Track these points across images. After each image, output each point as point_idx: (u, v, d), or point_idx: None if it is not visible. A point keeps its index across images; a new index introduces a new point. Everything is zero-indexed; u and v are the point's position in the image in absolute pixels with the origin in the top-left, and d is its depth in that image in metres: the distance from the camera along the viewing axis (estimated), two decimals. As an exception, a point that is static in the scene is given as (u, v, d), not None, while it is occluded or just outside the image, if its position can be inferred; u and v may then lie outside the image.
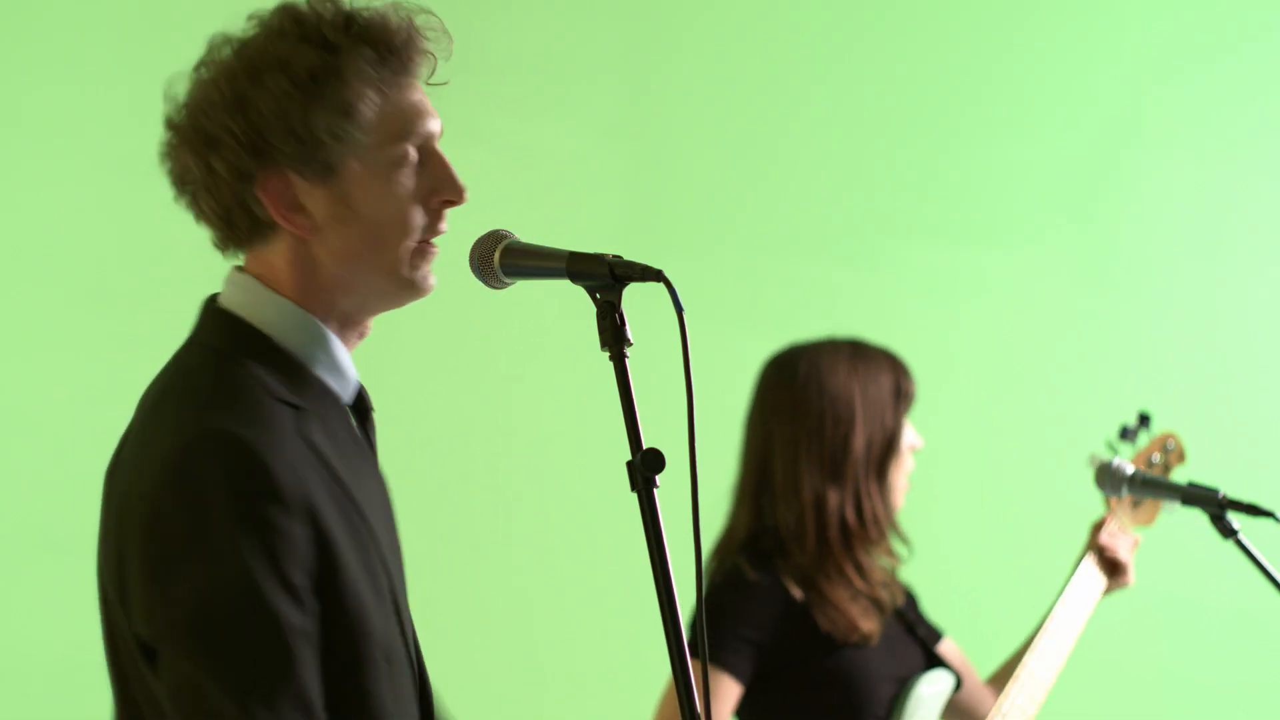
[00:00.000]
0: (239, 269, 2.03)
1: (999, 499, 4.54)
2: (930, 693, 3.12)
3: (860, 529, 3.10)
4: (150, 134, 3.55)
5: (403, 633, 1.96)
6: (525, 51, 4.13)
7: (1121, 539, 3.13)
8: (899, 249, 4.54)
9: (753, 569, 3.07)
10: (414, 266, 1.97)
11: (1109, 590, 3.15)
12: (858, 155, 4.51)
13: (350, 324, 2.00)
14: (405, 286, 1.98)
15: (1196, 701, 4.66)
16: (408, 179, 1.96)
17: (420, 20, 1.98)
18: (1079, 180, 4.68)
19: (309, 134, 1.92)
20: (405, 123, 1.96)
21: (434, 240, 1.99)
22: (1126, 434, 3.14)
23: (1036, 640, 3.04)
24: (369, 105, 1.94)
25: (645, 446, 1.82)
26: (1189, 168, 4.73)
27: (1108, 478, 3.04)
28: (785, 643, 3.05)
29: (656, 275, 1.85)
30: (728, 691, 3.01)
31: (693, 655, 2.78)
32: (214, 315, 2.01)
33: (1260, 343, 4.77)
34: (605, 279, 1.87)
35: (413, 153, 1.97)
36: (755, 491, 3.14)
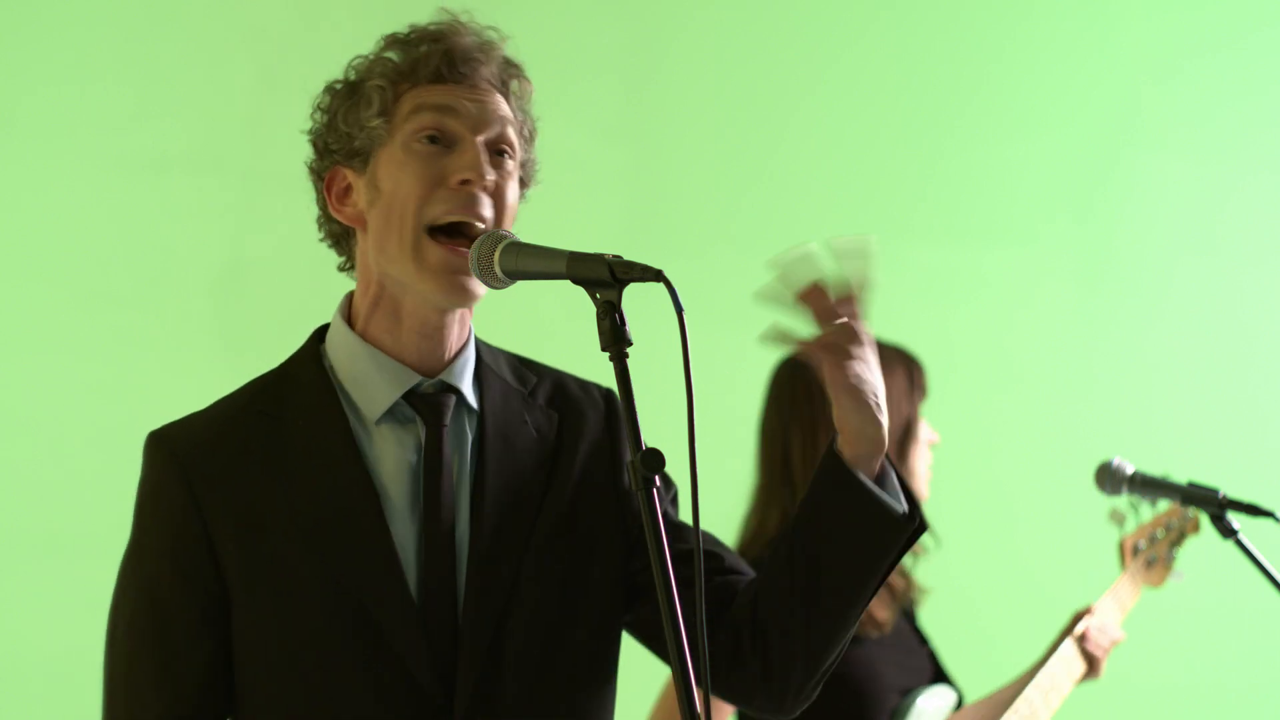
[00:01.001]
0: (346, 296, 2.17)
1: (999, 498, 4.54)
2: (930, 707, 3.11)
3: None
4: (150, 134, 3.56)
5: (383, 620, 2.01)
6: (525, 51, 4.12)
7: (1105, 635, 3.12)
8: (899, 249, 4.54)
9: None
10: (429, 259, 2.03)
11: (1079, 681, 3.14)
12: (857, 155, 4.51)
13: (410, 323, 2.08)
14: (424, 281, 2.04)
15: (1196, 701, 4.65)
16: (423, 160, 2.05)
17: (477, 37, 2.13)
18: (1078, 179, 4.68)
19: (345, 128, 2.08)
20: (420, 111, 2.06)
21: (464, 232, 2.04)
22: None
23: (1009, 714, 3.03)
24: (384, 95, 2.06)
25: (645, 446, 1.82)
26: (1187, 167, 4.73)
27: (1108, 477, 3.05)
28: None
29: (656, 275, 1.85)
30: None
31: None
32: (308, 340, 2.16)
33: (1259, 342, 4.77)
34: (605, 279, 1.87)
35: (429, 126, 2.06)
36: (776, 484, 3.14)
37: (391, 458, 2.06)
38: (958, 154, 4.59)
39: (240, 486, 2.04)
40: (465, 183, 2.04)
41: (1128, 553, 3.20)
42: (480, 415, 2.11)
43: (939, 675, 3.18)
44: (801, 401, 3.14)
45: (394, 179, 2.05)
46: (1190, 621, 4.61)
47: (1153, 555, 3.20)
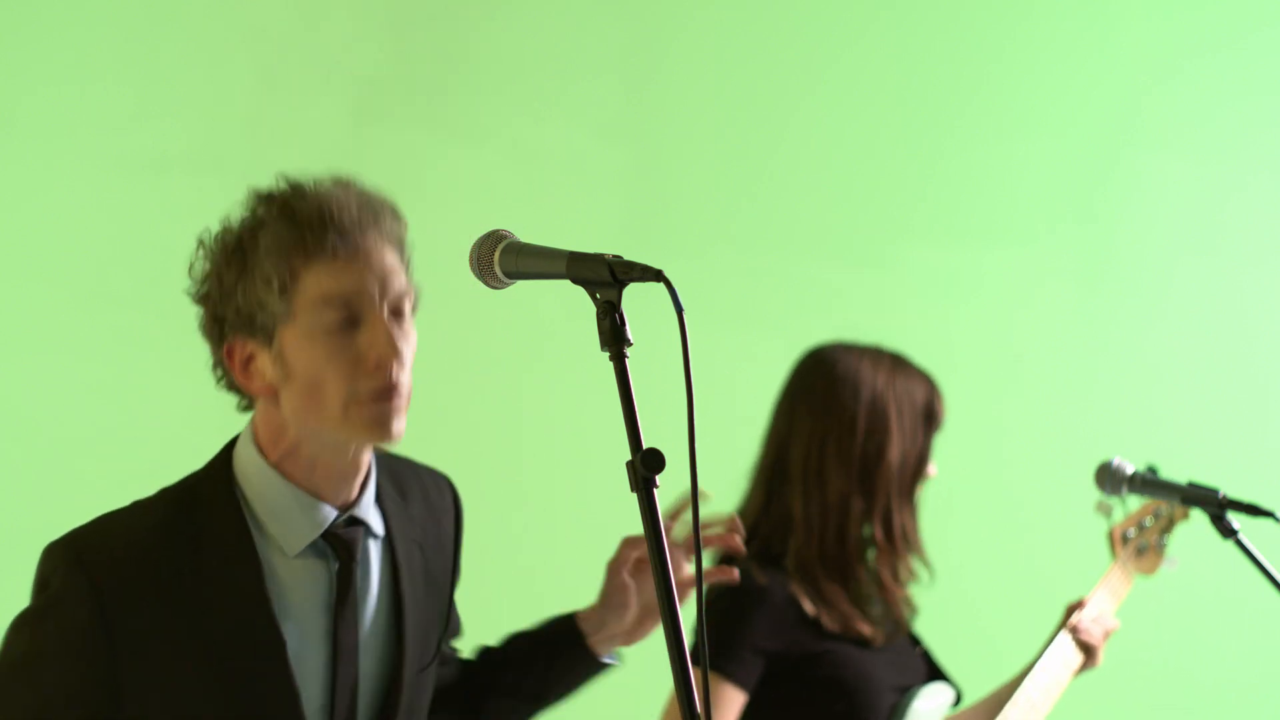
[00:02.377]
0: (250, 420, 2.17)
1: (999, 498, 4.54)
2: (927, 707, 3.11)
3: (887, 545, 3.09)
4: (150, 134, 3.55)
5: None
6: (525, 51, 4.13)
7: (1099, 625, 3.12)
8: (899, 249, 4.54)
9: (762, 572, 3.04)
10: (355, 418, 2.08)
11: (1077, 671, 3.13)
12: (857, 155, 4.51)
13: (326, 471, 2.12)
14: (355, 434, 2.10)
15: (1197, 701, 4.65)
16: (334, 341, 2.08)
17: (366, 200, 2.11)
18: (1078, 180, 4.68)
19: (244, 303, 2.09)
20: (322, 290, 2.07)
21: (387, 392, 2.08)
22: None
23: (1009, 708, 3.03)
24: (282, 275, 2.07)
25: (645, 446, 1.82)
26: (1188, 167, 4.73)
27: (1108, 477, 3.04)
28: (793, 649, 3.04)
29: (656, 275, 1.85)
30: (732, 701, 2.99)
31: (695, 660, 2.77)
32: (218, 453, 2.18)
33: (1259, 342, 4.77)
34: (605, 279, 1.87)
35: (337, 318, 2.07)
36: (769, 476, 3.12)
37: (303, 590, 2.11)
38: (958, 154, 4.59)
39: (151, 616, 2.05)
40: (381, 358, 2.08)
41: (1117, 542, 3.19)
42: (388, 540, 2.19)
43: (934, 674, 3.17)
44: (817, 405, 3.10)
45: (306, 363, 2.08)
46: (1190, 621, 4.61)
47: (1143, 543, 3.19)
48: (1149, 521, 3.20)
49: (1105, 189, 4.69)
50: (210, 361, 2.16)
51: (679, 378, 1.79)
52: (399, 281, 2.12)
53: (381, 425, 2.09)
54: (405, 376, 2.11)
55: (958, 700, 3.17)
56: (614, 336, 1.85)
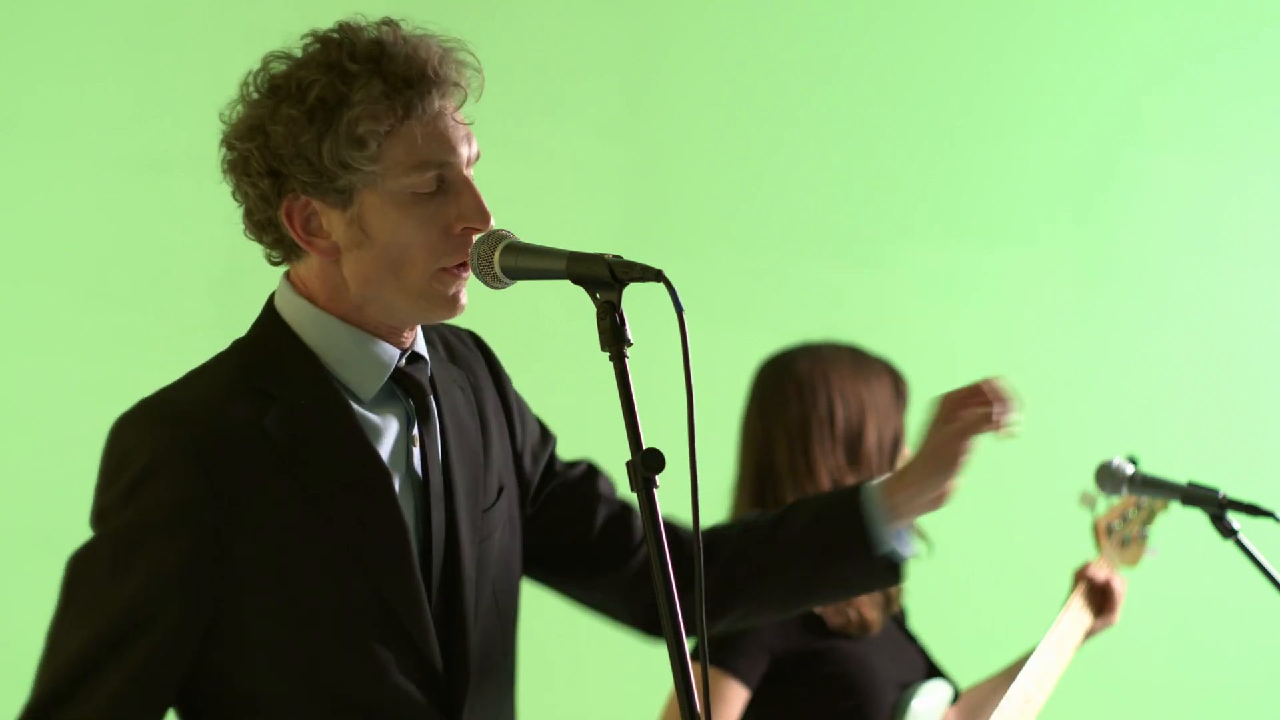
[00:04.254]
0: (286, 273, 2.09)
1: (998, 497, 4.54)
2: (925, 706, 3.12)
3: None
4: (150, 134, 3.56)
5: (396, 600, 2.00)
6: (525, 51, 4.13)
7: (1114, 575, 3.14)
8: (899, 249, 4.54)
9: None
10: (436, 291, 2.01)
11: (1093, 631, 3.14)
12: (857, 155, 4.51)
13: (383, 330, 2.05)
14: (428, 309, 2.03)
15: (1196, 701, 4.65)
16: (424, 208, 2.00)
17: (447, 54, 2.04)
18: (1078, 180, 4.68)
19: (321, 162, 1.98)
20: (419, 154, 2.00)
21: (462, 266, 2.01)
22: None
23: (1020, 678, 3.03)
24: (377, 136, 1.98)
25: (645, 446, 1.82)
26: (1188, 167, 4.72)
27: (1108, 476, 3.05)
28: (797, 647, 3.04)
29: (656, 275, 1.85)
30: (735, 697, 2.99)
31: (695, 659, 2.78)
32: (264, 309, 2.09)
33: (1259, 342, 4.77)
34: (605, 279, 1.87)
35: (430, 182, 2.00)
36: (757, 483, 3.13)
37: (385, 435, 2.04)
38: (958, 154, 4.59)
39: (250, 470, 1.97)
40: (467, 230, 2.01)
41: (1102, 534, 3.22)
42: (433, 383, 2.11)
43: (932, 671, 3.18)
44: (790, 400, 3.13)
45: (392, 228, 1.99)
46: (1190, 621, 4.61)
47: (1126, 535, 3.22)
48: (1131, 513, 3.23)
49: (1105, 189, 4.69)
50: (248, 221, 2.04)
51: (679, 378, 1.79)
52: (475, 142, 2.06)
53: (454, 300, 2.02)
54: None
55: (955, 697, 3.18)
56: (614, 336, 1.85)
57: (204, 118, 3.78)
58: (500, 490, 2.16)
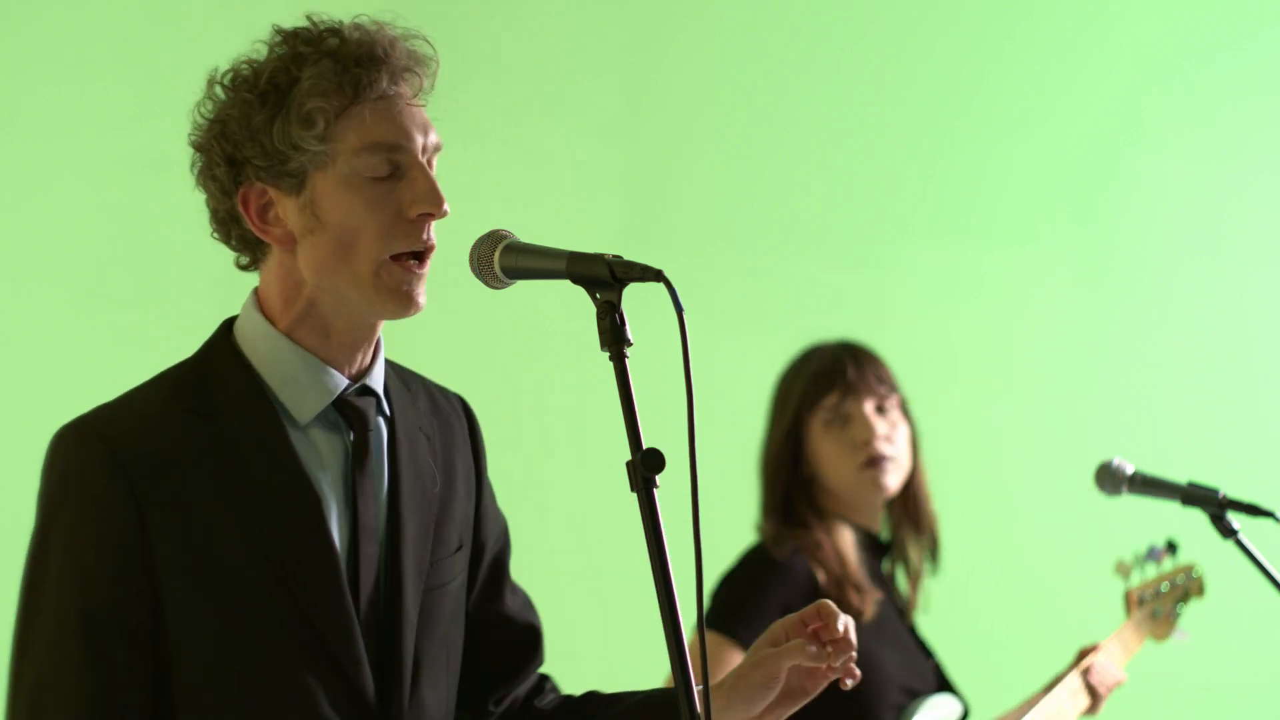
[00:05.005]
0: (254, 289, 2.08)
1: (998, 498, 4.54)
2: (935, 717, 3.12)
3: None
4: (150, 134, 3.55)
5: (324, 624, 1.97)
6: (525, 51, 4.13)
7: (1110, 673, 3.18)
8: (899, 249, 4.54)
9: (782, 547, 3.11)
10: (385, 282, 1.99)
11: (1082, 714, 3.19)
12: (857, 155, 4.51)
13: (340, 337, 2.03)
14: (379, 300, 1.99)
15: (1196, 701, 4.65)
16: (375, 190, 1.98)
17: (398, 40, 2.01)
18: (1078, 179, 4.68)
19: (273, 144, 1.97)
20: (368, 135, 1.98)
21: (419, 255, 2.00)
22: (1153, 554, 3.26)
23: None
24: (325, 114, 1.96)
25: (645, 446, 1.82)
26: (1188, 167, 4.73)
27: (1108, 477, 3.04)
28: None
29: (656, 275, 1.85)
30: (735, 663, 3.01)
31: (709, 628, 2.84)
32: (216, 331, 2.08)
33: (1259, 342, 4.77)
34: (605, 279, 1.87)
35: (383, 165, 1.98)
36: (788, 442, 3.24)
37: (318, 461, 2.02)
38: (958, 154, 4.59)
39: (178, 486, 1.96)
40: (422, 215, 1.99)
41: (1133, 604, 3.27)
42: (391, 421, 2.08)
43: (943, 685, 3.19)
44: (793, 400, 3.19)
45: (343, 212, 1.97)
46: (1189, 622, 4.60)
47: (1157, 609, 3.27)
48: (1165, 588, 3.28)
49: (1105, 189, 4.69)
50: (211, 218, 2.04)
51: (679, 378, 1.79)
52: (435, 133, 2.03)
53: (407, 295, 1.99)
54: (433, 233, 2.00)
55: (964, 716, 3.19)
56: (614, 336, 1.85)
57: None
58: (459, 547, 2.12)
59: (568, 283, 1.91)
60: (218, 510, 1.96)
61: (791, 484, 3.18)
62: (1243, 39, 4.76)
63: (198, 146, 2.03)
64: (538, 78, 4.14)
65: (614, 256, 1.87)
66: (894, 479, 3.20)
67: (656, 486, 1.83)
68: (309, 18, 2.01)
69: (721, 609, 3.09)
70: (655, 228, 4.28)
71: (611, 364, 1.85)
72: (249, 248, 2.05)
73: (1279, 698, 4.70)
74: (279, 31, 2.02)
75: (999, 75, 4.63)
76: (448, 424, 2.17)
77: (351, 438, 2.03)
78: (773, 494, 3.19)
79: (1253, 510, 2.88)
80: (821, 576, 3.11)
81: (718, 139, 4.37)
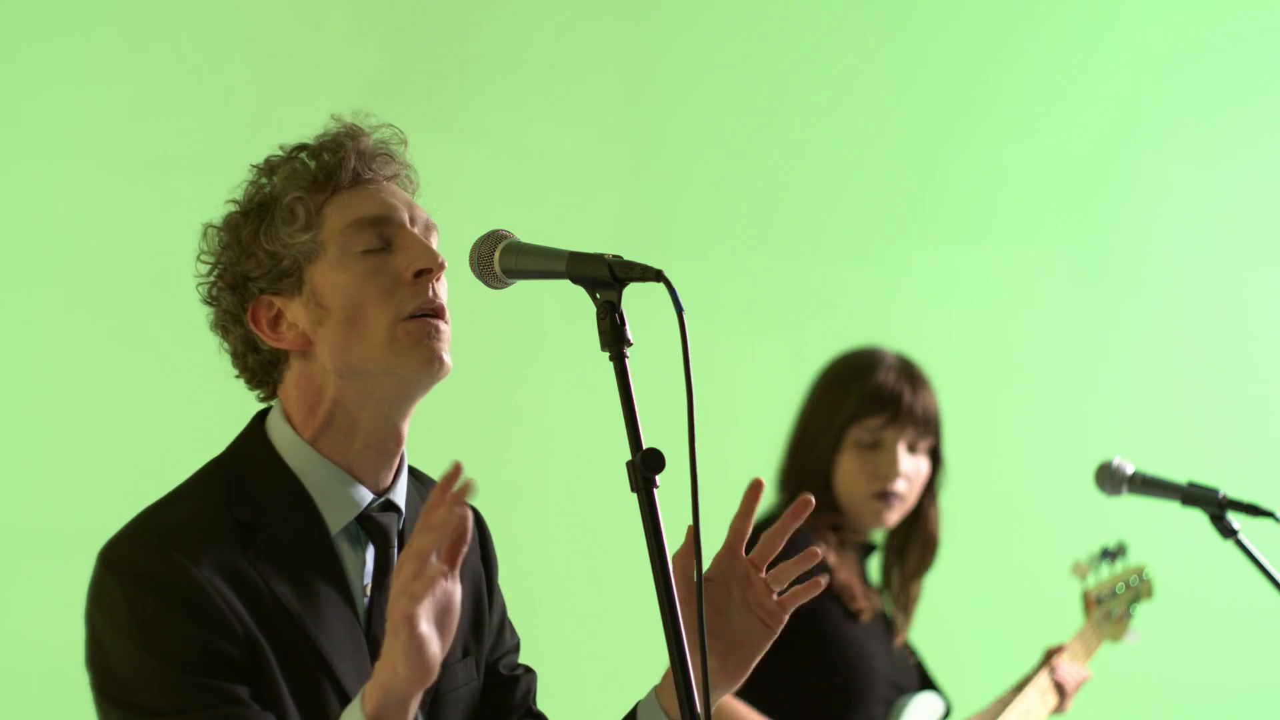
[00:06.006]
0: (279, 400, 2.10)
1: (999, 497, 4.54)
2: (920, 716, 3.16)
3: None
4: (150, 134, 3.56)
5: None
6: (525, 51, 4.13)
7: (1075, 671, 3.30)
8: (899, 249, 4.54)
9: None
10: (404, 340, 2.00)
11: (1051, 712, 3.30)
12: (857, 155, 4.51)
13: (366, 438, 2.04)
14: (400, 363, 2.01)
15: (1197, 701, 4.66)
16: (370, 262, 2.01)
17: (366, 132, 2.07)
18: (1078, 180, 4.68)
19: (264, 251, 2.02)
20: (352, 213, 2.02)
21: (430, 315, 2.01)
22: (1107, 555, 3.42)
23: None
24: (305, 204, 2.01)
25: (645, 446, 1.82)
26: (1188, 167, 4.73)
27: (1108, 477, 3.05)
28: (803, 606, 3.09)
29: (656, 275, 1.85)
30: None
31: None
32: (249, 427, 2.09)
33: (1259, 342, 4.77)
34: (605, 279, 1.87)
35: (372, 239, 2.02)
36: (810, 430, 3.31)
37: (351, 572, 2.04)
38: (958, 154, 4.59)
39: (245, 594, 1.95)
40: (421, 274, 2.01)
41: (1091, 604, 3.41)
42: (400, 531, 2.09)
43: (926, 683, 3.25)
44: (844, 409, 3.25)
45: (343, 289, 2.00)
46: (1190, 621, 4.61)
47: (1113, 609, 3.40)
48: (1120, 589, 3.43)
49: (1105, 189, 4.69)
50: (230, 356, 2.07)
51: (679, 378, 1.79)
52: (419, 208, 2.06)
53: (430, 350, 2.00)
54: (443, 295, 2.02)
55: (947, 714, 3.23)
56: (614, 336, 1.86)
57: (204, 118, 3.79)
58: (465, 652, 2.14)
59: (568, 283, 1.91)
60: (269, 614, 1.96)
61: (811, 486, 3.22)
62: (1243, 39, 4.76)
63: (206, 300, 2.08)
64: (538, 78, 4.14)
65: (614, 256, 1.88)
66: (895, 516, 3.28)
67: (656, 486, 1.83)
68: (280, 147, 2.08)
69: None
70: (655, 228, 4.29)
71: (611, 364, 1.85)
72: (268, 370, 2.06)
73: (1279, 698, 4.71)
74: (254, 166, 2.08)
75: (999, 75, 4.63)
76: None
77: (372, 553, 2.05)
78: (789, 485, 3.23)
79: (1253, 510, 2.88)
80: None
81: (718, 139, 4.37)
